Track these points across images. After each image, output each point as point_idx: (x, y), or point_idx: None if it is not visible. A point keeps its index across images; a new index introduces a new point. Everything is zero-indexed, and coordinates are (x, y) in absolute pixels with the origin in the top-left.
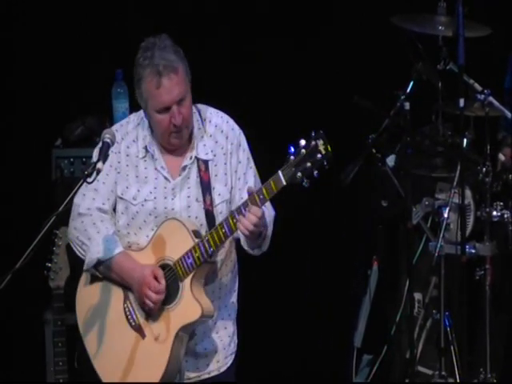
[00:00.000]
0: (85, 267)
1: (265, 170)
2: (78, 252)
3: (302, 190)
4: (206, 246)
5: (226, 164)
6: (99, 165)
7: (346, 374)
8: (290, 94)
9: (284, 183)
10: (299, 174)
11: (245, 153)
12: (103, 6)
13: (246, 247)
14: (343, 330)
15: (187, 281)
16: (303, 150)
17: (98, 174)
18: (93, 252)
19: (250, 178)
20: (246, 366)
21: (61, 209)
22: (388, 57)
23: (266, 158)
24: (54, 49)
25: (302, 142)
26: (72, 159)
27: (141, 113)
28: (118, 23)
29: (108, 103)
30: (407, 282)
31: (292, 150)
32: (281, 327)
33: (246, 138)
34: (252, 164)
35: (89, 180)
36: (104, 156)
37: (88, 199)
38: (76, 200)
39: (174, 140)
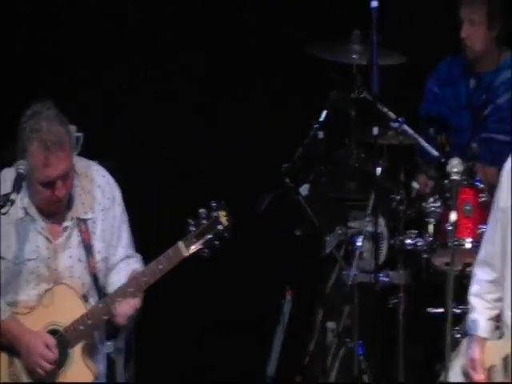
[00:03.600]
0: None
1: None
2: None
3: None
4: (100, 314)
5: (103, 220)
6: (13, 196)
7: None
8: (202, 124)
9: (184, 254)
10: (200, 245)
11: (120, 207)
12: None
13: None
14: (256, 359)
15: (78, 347)
16: (204, 221)
17: (12, 204)
18: None
19: (124, 233)
20: None
21: None
22: (301, 85)
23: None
24: None
25: (203, 213)
26: None
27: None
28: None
29: None
30: (321, 311)
31: (192, 221)
32: (192, 355)
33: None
34: (125, 218)
35: (3, 211)
36: (18, 187)
37: None
38: None
39: (54, 208)
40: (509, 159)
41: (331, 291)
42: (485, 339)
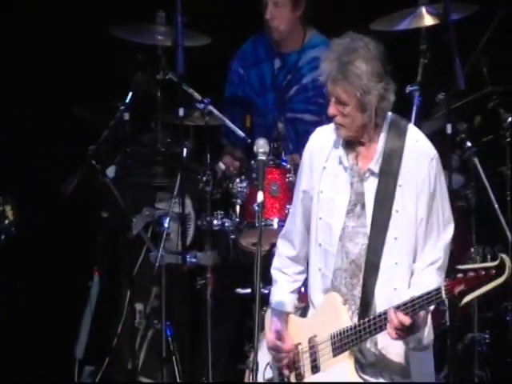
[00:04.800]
0: None
1: None
2: None
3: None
4: None
5: None
6: None
7: None
8: None
9: None
10: None
11: None
12: None
13: None
14: (64, 341)
15: None
16: None
17: None
18: None
19: None
20: None
21: None
22: (107, 68)
23: None
24: None
25: None
26: None
27: None
28: None
29: None
30: (128, 293)
31: None
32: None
33: None
34: None
35: None
36: None
37: None
38: None
39: None
40: (310, 140)
41: (139, 272)
42: (287, 313)
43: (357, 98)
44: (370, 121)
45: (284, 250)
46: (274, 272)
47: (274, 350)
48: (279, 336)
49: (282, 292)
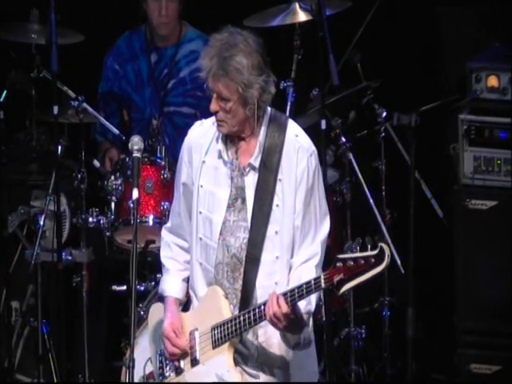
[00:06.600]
0: None
1: None
2: None
3: None
4: None
5: None
6: None
7: None
8: None
9: None
10: None
11: None
12: None
13: None
14: None
15: None
16: None
17: None
18: None
19: None
20: None
21: None
22: None
23: None
24: None
25: None
26: None
27: None
28: None
29: None
30: (4, 291)
31: None
32: None
33: None
34: None
35: None
36: None
37: None
38: None
39: None
40: (189, 134)
41: (14, 270)
42: (180, 301)
43: (238, 92)
44: (251, 115)
45: (173, 240)
46: (165, 260)
47: (169, 340)
48: (174, 328)
49: (175, 280)
